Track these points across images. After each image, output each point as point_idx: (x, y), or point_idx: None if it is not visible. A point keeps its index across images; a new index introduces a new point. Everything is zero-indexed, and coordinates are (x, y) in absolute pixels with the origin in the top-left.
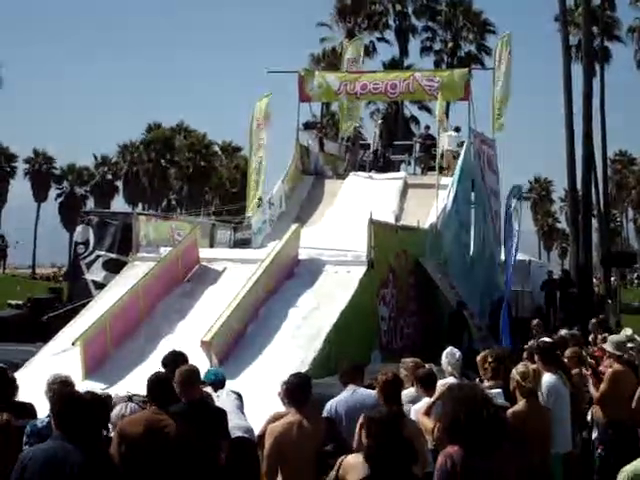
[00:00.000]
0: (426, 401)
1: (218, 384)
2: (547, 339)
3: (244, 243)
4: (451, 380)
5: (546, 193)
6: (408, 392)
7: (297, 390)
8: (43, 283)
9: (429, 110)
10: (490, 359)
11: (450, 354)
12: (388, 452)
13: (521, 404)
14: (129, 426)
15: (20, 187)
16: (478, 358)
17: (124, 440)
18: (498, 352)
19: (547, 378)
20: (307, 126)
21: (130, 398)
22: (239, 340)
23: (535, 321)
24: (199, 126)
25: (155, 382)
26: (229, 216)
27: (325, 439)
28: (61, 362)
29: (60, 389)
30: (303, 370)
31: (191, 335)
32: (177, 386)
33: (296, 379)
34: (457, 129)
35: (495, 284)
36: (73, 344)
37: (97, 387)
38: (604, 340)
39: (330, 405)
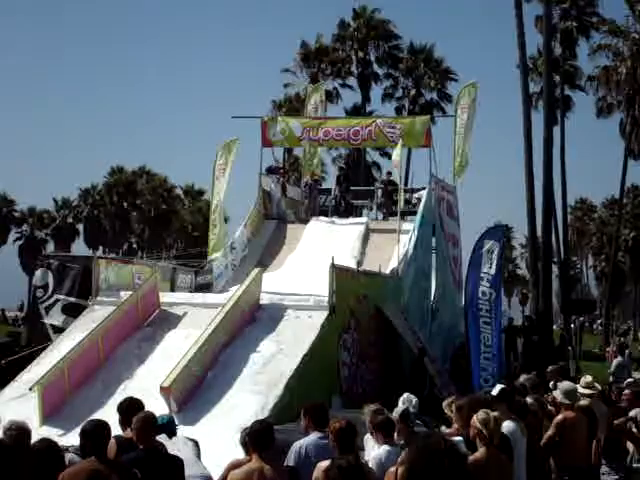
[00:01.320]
0: (384, 448)
1: (168, 430)
2: (504, 385)
3: (205, 287)
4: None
5: (507, 239)
6: (368, 438)
7: (259, 437)
8: (0, 327)
9: (390, 156)
10: (455, 405)
11: (407, 400)
12: None
13: (481, 451)
14: (71, 478)
15: None
16: (444, 404)
17: None
18: (464, 399)
19: (505, 424)
20: (270, 171)
21: (67, 449)
22: (199, 386)
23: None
24: (161, 169)
25: (91, 431)
26: (191, 259)
27: None
28: (18, 407)
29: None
30: (263, 416)
31: (150, 380)
32: (134, 433)
33: (259, 425)
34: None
35: (457, 330)
36: (31, 389)
37: (55, 433)
38: None
39: (299, 447)
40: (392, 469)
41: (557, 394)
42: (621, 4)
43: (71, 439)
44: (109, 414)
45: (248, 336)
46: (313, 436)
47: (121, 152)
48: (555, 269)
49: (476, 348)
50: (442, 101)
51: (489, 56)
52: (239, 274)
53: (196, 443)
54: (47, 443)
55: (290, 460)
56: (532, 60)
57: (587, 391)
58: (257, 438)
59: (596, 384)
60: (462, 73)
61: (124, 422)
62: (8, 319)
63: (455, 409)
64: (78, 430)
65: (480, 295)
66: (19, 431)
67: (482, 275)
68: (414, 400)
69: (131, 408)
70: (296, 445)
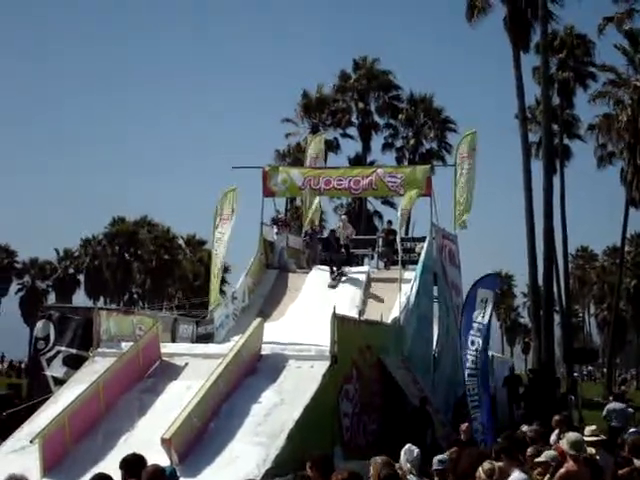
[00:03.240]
0: None
1: None
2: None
3: (207, 337)
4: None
5: (508, 287)
6: None
7: None
8: (1, 379)
9: (392, 205)
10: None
11: (408, 451)
12: None
13: None
14: None
15: None
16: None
17: None
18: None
19: (516, 475)
20: (274, 221)
21: None
22: (201, 437)
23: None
24: (163, 219)
25: None
26: (192, 309)
27: None
28: (19, 460)
29: None
30: (266, 468)
31: (152, 432)
32: None
33: None
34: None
35: (459, 379)
36: (31, 442)
37: None
38: None
39: None
40: None
41: (563, 444)
42: (617, 54)
43: None
44: (110, 467)
45: (249, 386)
46: None
47: (122, 202)
48: (557, 318)
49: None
50: (442, 150)
51: (488, 105)
52: (240, 324)
53: None
54: None
55: None
56: (531, 110)
57: (593, 439)
58: None
59: (601, 435)
60: (462, 122)
61: (127, 477)
62: (14, 366)
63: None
64: None
65: (469, 345)
66: None
67: (473, 324)
68: (416, 451)
69: (134, 463)
70: None
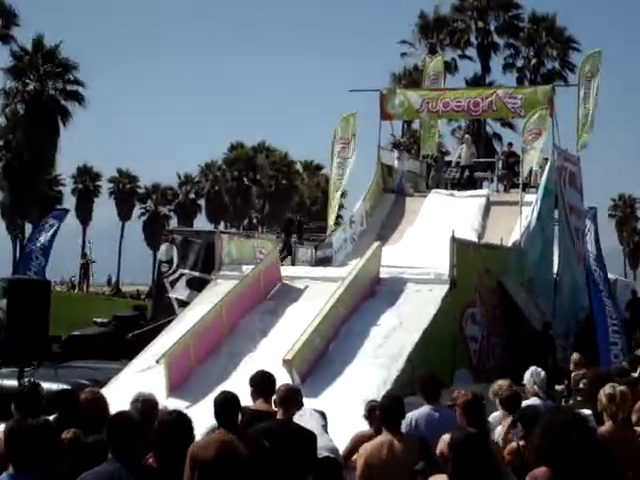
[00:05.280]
0: (509, 422)
1: None
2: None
3: (325, 261)
4: (535, 401)
5: (631, 211)
6: (495, 415)
7: (390, 411)
8: (127, 301)
9: (512, 127)
10: (585, 380)
11: (535, 373)
12: (475, 474)
13: (608, 426)
14: (201, 451)
15: (104, 206)
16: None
17: (197, 465)
18: (594, 373)
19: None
20: (394, 145)
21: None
22: (320, 359)
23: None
24: (281, 145)
25: (224, 403)
26: (310, 234)
27: (417, 458)
28: (145, 380)
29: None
30: (386, 390)
31: (273, 353)
32: (277, 405)
33: (389, 401)
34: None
35: (580, 304)
36: (157, 362)
37: (181, 405)
38: None
39: (410, 418)
40: (514, 444)
41: None
42: None
43: (197, 411)
44: (234, 387)
45: (368, 310)
46: (425, 408)
47: (241, 128)
48: None
49: (603, 322)
50: (564, 70)
51: (615, 24)
52: (358, 248)
53: (323, 414)
54: (177, 415)
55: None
56: None
57: None
58: (388, 413)
59: None
60: (584, 42)
61: (256, 394)
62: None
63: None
64: (204, 402)
65: (593, 270)
66: (146, 403)
67: (589, 254)
68: (542, 373)
69: (264, 380)
70: (407, 416)
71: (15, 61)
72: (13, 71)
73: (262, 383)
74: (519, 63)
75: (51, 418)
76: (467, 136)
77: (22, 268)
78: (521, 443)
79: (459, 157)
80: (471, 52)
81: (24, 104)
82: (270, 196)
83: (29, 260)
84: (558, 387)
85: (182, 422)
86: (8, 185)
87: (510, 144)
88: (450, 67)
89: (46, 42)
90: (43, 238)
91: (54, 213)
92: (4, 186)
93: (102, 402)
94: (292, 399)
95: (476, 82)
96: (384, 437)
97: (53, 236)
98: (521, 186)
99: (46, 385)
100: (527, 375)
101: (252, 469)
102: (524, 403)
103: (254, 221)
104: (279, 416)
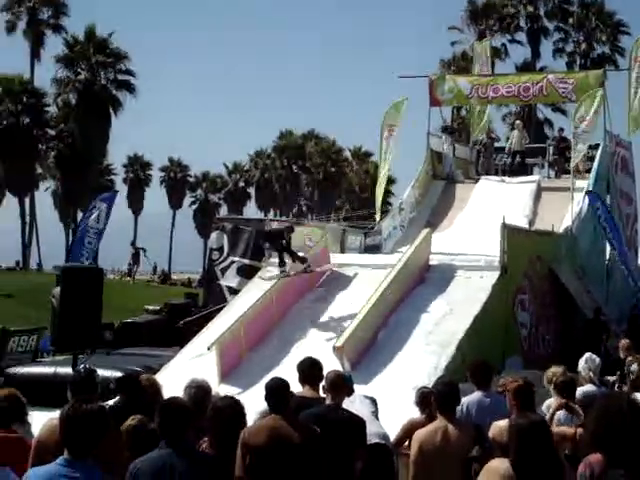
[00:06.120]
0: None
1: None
2: None
3: (375, 248)
4: (590, 388)
5: None
6: (550, 402)
7: (445, 397)
8: (178, 289)
9: (563, 112)
10: (635, 365)
11: (590, 360)
12: (538, 461)
13: None
14: (253, 436)
15: (155, 195)
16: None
17: (248, 450)
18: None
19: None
20: (444, 130)
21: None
22: (371, 346)
23: None
24: (329, 132)
25: (275, 389)
26: (359, 221)
27: (471, 444)
28: (197, 367)
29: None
30: (436, 376)
31: (323, 340)
32: (327, 390)
33: (445, 386)
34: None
35: (632, 290)
36: (209, 349)
37: (232, 391)
38: None
39: (462, 405)
40: (571, 430)
41: None
42: None
43: (248, 397)
44: (284, 373)
45: (418, 297)
46: (476, 394)
47: (289, 116)
48: None
49: None
50: (614, 54)
51: None
52: (408, 235)
53: (374, 401)
54: (230, 400)
55: None
56: None
57: None
58: (443, 399)
59: None
60: (635, 26)
61: (303, 380)
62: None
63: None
64: (255, 388)
65: None
66: (200, 389)
67: None
68: (597, 360)
69: (311, 367)
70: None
71: (67, 50)
72: (65, 60)
73: (309, 370)
74: (569, 48)
75: (111, 402)
76: (518, 122)
77: (75, 253)
78: (579, 430)
79: (511, 143)
80: (521, 37)
81: (76, 93)
82: (319, 183)
83: (81, 245)
84: (610, 378)
85: (235, 408)
86: (60, 174)
87: (561, 129)
88: (500, 53)
89: (98, 32)
90: (93, 221)
91: (102, 196)
92: (56, 175)
93: (157, 388)
94: (342, 385)
95: (526, 67)
96: (439, 423)
97: (106, 218)
98: (572, 172)
99: (100, 372)
100: (582, 362)
101: (303, 454)
102: (579, 390)
103: (303, 209)
104: (328, 402)
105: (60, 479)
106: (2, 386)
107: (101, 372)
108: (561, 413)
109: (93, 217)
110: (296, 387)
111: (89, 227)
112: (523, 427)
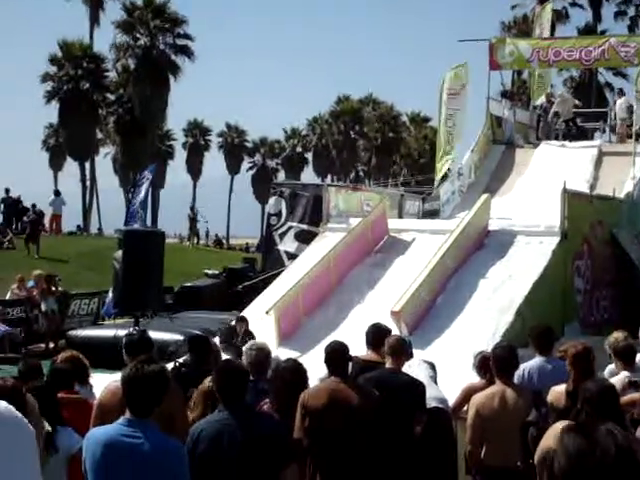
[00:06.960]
0: (625, 374)
1: None
2: None
3: (433, 214)
4: None
5: None
6: (611, 368)
7: (504, 361)
8: (236, 254)
9: (624, 76)
10: None
11: None
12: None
13: None
14: (312, 398)
15: (213, 160)
16: None
17: (307, 412)
18: None
19: None
20: (505, 95)
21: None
22: (428, 311)
23: None
24: (387, 97)
25: (334, 353)
26: (417, 187)
27: (529, 409)
28: (255, 330)
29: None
30: (494, 342)
31: (381, 305)
32: (387, 355)
33: (503, 351)
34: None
35: None
36: (267, 313)
37: (291, 355)
38: None
39: (523, 369)
40: (635, 395)
41: None
42: None
43: (306, 361)
44: (343, 337)
45: (477, 262)
46: (537, 359)
47: (347, 81)
48: None
49: None
50: None
51: None
52: (467, 200)
53: (432, 365)
54: (293, 363)
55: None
56: None
57: None
58: (501, 363)
59: None
60: None
61: (368, 344)
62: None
63: None
64: (312, 352)
65: None
66: (260, 351)
67: None
68: None
69: (378, 332)
70: (520, 367)
71: (126, 16)
72: (124, 26)
73: (375, 334)
74: (631, 11)
75: (181, 360)
76: (560, 92)
77: (129, 223)
78: None
79: (556, 113)
80: (582, 0)
81: (135, 59)
82: (377, 149)
83: (133, 217)
84: None
85: (297, 370)
86: (120, 140)
87: (621, 91)
88: (561, 16)
89: None
90: (142, 193)
91: (150, 167)
92: (116, 140)
93: (217, 351)
94: (402, 349)
95: (587, 31)
96: (497, 387)
97: (147, 190)
98: (634, 136)
99: (160, 335)
100: None
101: (362, 417)
102: (639, 357)
103: (361, 174)
104: (388, 366)
105: (121, 438)
106: (64, 348)
107: (162, 335)
108: (622, 380)
109: (141, 190)
110: (356, 352)
111: (138, 200)
112: (593, 392)
